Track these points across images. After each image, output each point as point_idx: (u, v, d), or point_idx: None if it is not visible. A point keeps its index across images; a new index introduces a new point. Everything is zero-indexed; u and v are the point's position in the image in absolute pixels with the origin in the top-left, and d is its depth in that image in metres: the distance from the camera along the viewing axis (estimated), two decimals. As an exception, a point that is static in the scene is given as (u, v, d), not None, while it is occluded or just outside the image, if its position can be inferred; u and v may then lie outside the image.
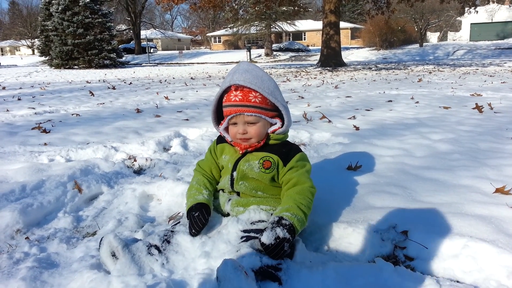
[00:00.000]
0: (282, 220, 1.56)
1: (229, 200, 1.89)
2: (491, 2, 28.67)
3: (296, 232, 1.58)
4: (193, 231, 1.70)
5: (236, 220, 1.74)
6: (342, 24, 34.79)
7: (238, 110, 1.76)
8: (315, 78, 13.84)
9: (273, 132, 1.84)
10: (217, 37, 65.44)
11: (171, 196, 2.47)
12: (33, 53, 64.27)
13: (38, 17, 38.46)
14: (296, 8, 32.66)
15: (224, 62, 35.39)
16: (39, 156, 3.27)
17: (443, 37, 52.08)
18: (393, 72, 16.29)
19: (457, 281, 1.56)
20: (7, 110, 6.19)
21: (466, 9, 23.02)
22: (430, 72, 15.10)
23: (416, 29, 43.32)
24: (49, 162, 3.11)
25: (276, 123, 1.85)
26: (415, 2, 22.91)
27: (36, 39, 46.82)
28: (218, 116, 1.94)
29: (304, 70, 20.05)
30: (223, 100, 1.83)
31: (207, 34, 72.32)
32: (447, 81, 10.72)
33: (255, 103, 1.75)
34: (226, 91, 1.81)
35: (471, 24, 47.52)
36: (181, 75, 17.82)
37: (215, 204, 1.92)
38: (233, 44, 59.58)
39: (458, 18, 48.12)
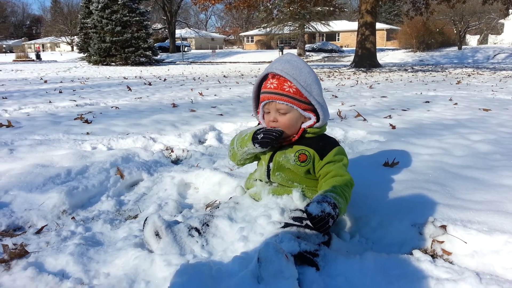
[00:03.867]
0: (327, 198, 1.57)
1: (266, 188, 1.92)
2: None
3: (340, 213, 1.58)
4: (266, 138, 1.76)
5: (273, 207, 1.77)
6: (378, 25, 34.21)
7: (271, 97, 1.79)
8: (348, 78, 13.70)
9: (309, 127, 1.85)
10: (250, 37, 65.77)
11: (208, 185, 2.53)
12: (72, 50, 66.44)
13: (78, 14, 39.75)
14: (331, 8, 32.38)
15: (256, 62, 35.51)
16: (82, 144, 3.41)
17: (483, 40, 50.29)
18: (430, 74, 15.90)
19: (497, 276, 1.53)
20: (50, 102, 6.46)
21: (511, 10, 22.16)
22: (469, 75, 14.65)
23: (455, 31, 42.06)
24: (92, 150, 3.24)
25: (310, 118, 1.85)
26: (456, 3, 22.29)
27: (75, 36, 48.47)
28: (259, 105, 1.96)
29: (337, 70, 19.86)
30: (262, 86, 1.87)
31: (240, 34, 72.79)
32: (487, 84, 10.39)
33: (288, 92, 1.77)
34: (265, 78, 1.85)
35: (514, 26, 45.71)
36: (214, 73, 18.02)
37: (252, 192, 1.96)
38: (265, 44, 59.72)
39: (501, 21, 46.36)
